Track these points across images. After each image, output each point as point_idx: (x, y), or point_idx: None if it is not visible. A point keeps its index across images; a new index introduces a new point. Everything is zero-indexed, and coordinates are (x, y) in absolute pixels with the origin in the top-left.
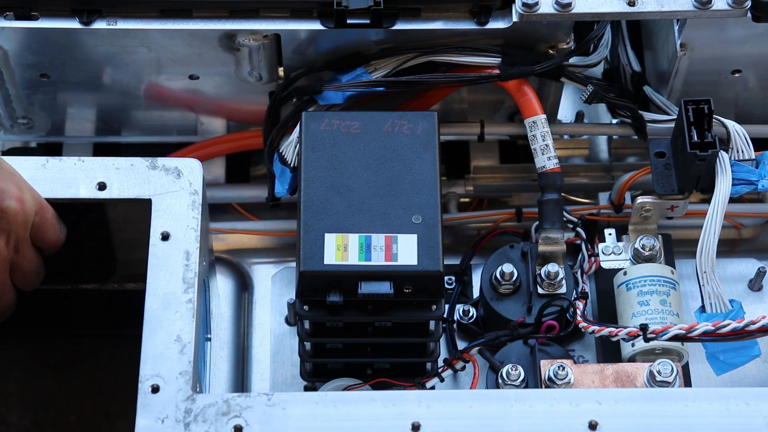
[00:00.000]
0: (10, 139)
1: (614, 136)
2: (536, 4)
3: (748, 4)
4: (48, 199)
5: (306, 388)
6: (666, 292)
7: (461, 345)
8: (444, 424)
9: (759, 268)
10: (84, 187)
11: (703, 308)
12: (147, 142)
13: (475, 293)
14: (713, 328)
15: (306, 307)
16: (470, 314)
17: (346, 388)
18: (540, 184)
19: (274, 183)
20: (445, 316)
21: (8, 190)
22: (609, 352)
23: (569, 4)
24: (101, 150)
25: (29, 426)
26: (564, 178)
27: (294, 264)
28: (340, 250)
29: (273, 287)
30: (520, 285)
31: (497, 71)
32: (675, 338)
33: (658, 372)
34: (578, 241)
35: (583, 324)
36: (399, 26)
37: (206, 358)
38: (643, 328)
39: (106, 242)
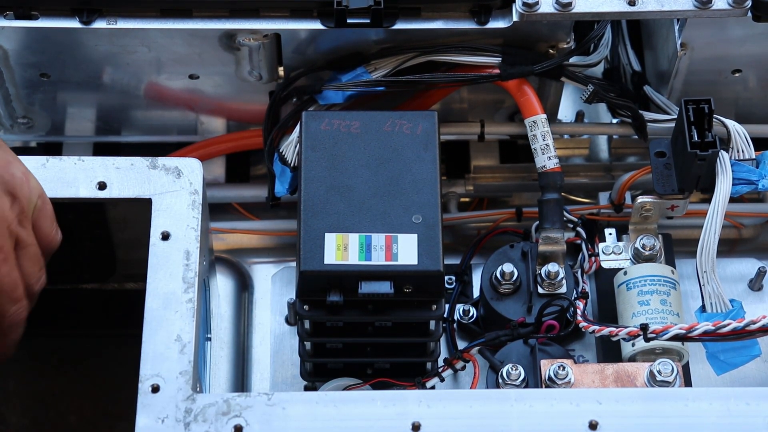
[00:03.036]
0: (10, 138)
1: (614, 136)
2: (536, 3)
3: (749, 3)
4: None
5: (306, 388)
6: (666, 291)
7: (461, 345)
8: (444, 424)
9: (759, 268)
10: (84, 187)
11: (703, 308)
12: (147, 141)
13: (475, 293)
14: (713, 327)
15: (306, 307)
16: (470, 314)
17: (346, 388)
18: (540, 183)
19: (274, 182)
20: (445, 315)
21: (14, 162)
22: (609, 351)
23: (569, 4)
24: (101, 150)
25: (29, 426)
26: (564, 177)
27: (294, 264)
28: (341, 249)
29: (273, 287)
30: (520, 285)
31: (497, 71)
32: (675, 338)
33: (659, 372)
34: (578, 241)
35: (583, 324)
36: (399, 26)
37: (206, 357)
38: (644, 327)
39: (106, 242)
